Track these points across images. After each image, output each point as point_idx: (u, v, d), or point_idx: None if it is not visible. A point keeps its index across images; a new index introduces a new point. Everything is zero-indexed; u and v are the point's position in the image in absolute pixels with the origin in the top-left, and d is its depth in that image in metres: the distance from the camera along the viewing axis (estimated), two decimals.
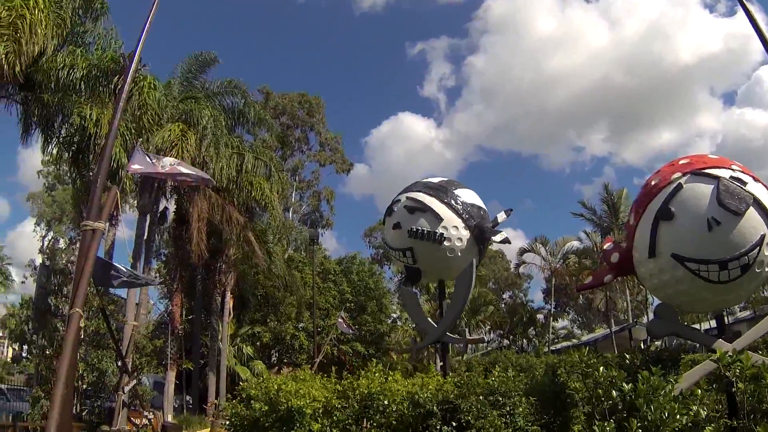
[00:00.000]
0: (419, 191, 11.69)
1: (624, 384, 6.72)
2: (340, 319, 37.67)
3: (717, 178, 8.21)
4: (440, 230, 11.14)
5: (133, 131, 20.91)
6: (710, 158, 8.92)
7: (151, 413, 21.57)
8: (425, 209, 11.31)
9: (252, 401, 7.36)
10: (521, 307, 51.84)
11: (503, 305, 56.88)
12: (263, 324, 39.56)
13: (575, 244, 44.18)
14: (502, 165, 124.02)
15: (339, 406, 7.16)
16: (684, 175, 8.50)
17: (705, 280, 8.08)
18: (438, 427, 6.36)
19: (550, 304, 46.42)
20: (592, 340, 42.65)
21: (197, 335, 32.28)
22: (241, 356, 36.09)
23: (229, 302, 33.39)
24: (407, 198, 11.72)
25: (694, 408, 6.37)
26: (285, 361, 41.97)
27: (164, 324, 33.49)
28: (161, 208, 27.77)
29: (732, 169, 8.42)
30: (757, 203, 8.08)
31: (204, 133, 22.85)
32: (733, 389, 7.15)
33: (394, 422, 6.82)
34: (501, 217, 12.02)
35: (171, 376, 27.11)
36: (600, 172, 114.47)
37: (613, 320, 40.81)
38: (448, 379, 8.54)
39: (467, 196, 11.80)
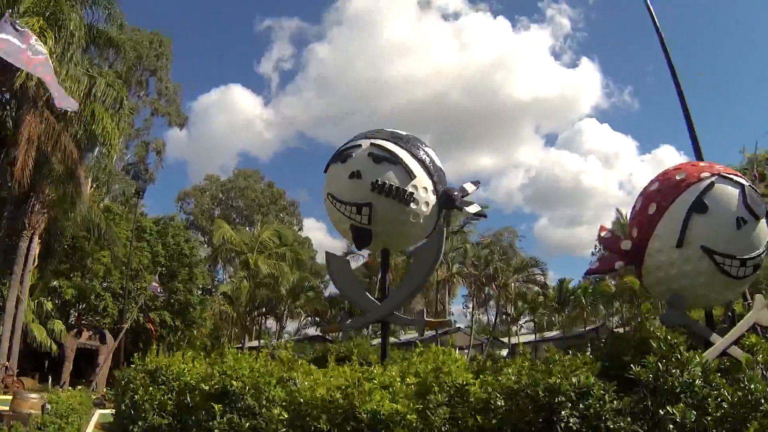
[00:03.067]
0: (387, 140, 9.84)
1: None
2: (154, 283, 34.64)
3: (741, 184, 9.11)
4: (410, 189, 9.46)
5: None
6: (723, 167, 9.81)
7: None
8: (395, 161, 9.51)
9: (264, 398, 4.94)
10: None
11: (326, 295, 56.37)
12: (67, 278, 34.66)
13: None
14: (318, 156, 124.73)
15: (421, 407, 5.11)
16: (712, 175, 9.17)
17: (726, 274, 8.80)
18: (565, 421, 4.76)
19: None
20: (415, 340, 42.94)
21: None
22: (41, 313, 31.20)
23: (36, 249, 28.59)
24: (372, 145, 9.78)
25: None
26: (84, 322, 37.33)
27: None
28: None
29: (746, 180, 9.41)
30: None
31: (69, 40, 18.77)
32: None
33: (495, 422, 5.06)
34: (470, 188, 10.55)
35: None
36: None
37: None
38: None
39: (435, 156, 10.24)
